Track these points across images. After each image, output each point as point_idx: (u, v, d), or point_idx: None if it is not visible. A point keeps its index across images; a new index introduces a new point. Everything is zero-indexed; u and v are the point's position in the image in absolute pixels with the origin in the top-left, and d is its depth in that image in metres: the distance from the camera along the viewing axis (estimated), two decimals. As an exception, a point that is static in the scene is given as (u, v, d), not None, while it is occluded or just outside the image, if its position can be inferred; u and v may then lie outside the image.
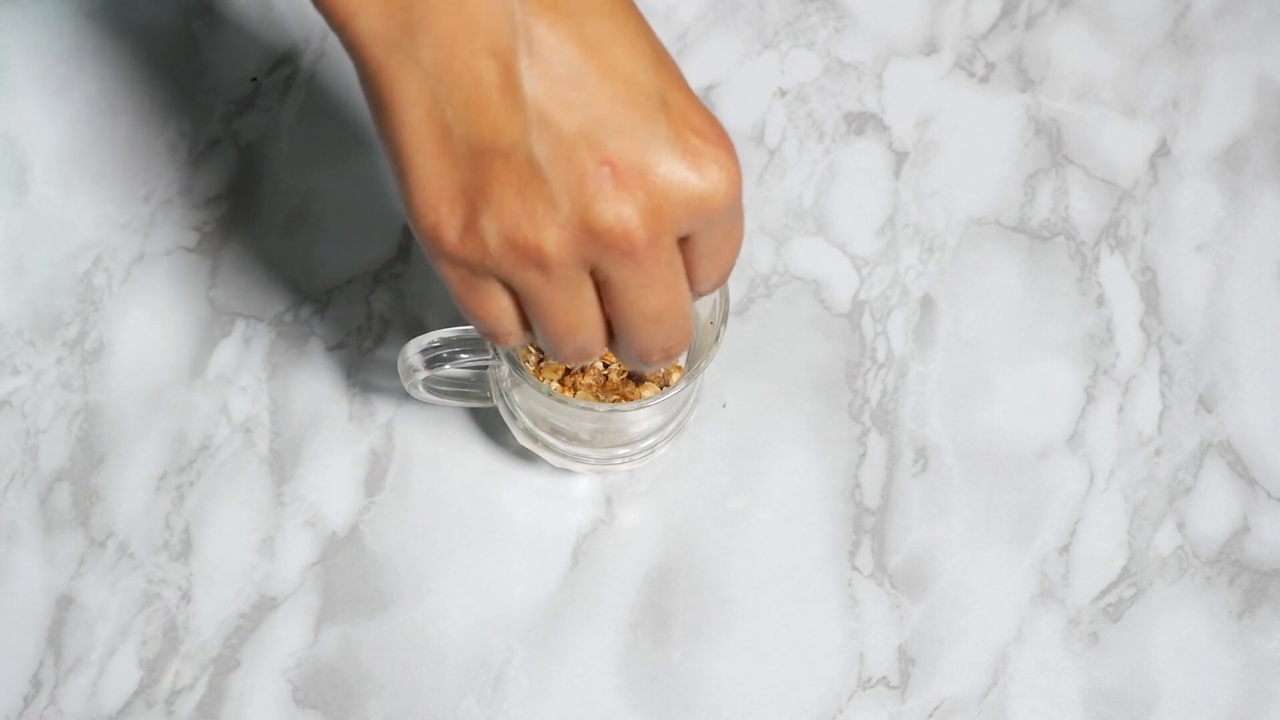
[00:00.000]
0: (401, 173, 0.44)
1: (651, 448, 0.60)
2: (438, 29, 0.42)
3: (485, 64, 0.42)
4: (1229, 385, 0.65)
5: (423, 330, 0.64)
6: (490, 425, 0.64)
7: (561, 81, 0.42)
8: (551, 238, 0.43)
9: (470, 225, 0.43)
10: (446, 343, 0.56)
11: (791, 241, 0.67)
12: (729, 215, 0.45)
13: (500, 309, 0.46)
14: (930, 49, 0.70)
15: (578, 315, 0.46)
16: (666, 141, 0.43)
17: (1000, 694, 0.61)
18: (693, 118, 0.44)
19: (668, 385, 0.60)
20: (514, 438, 0.62)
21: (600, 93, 0.42)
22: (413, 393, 0.59)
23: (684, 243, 0.45)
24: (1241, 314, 0.66)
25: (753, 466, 0.63)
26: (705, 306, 0.58)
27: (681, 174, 0.43)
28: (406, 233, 0.66)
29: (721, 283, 0.48)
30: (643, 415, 0.57)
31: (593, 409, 0.55)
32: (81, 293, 0.65)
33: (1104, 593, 0.62)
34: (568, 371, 0.59)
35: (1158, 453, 0.64)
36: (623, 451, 0.60)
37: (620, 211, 0.43)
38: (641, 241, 0.43)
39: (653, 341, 0.47)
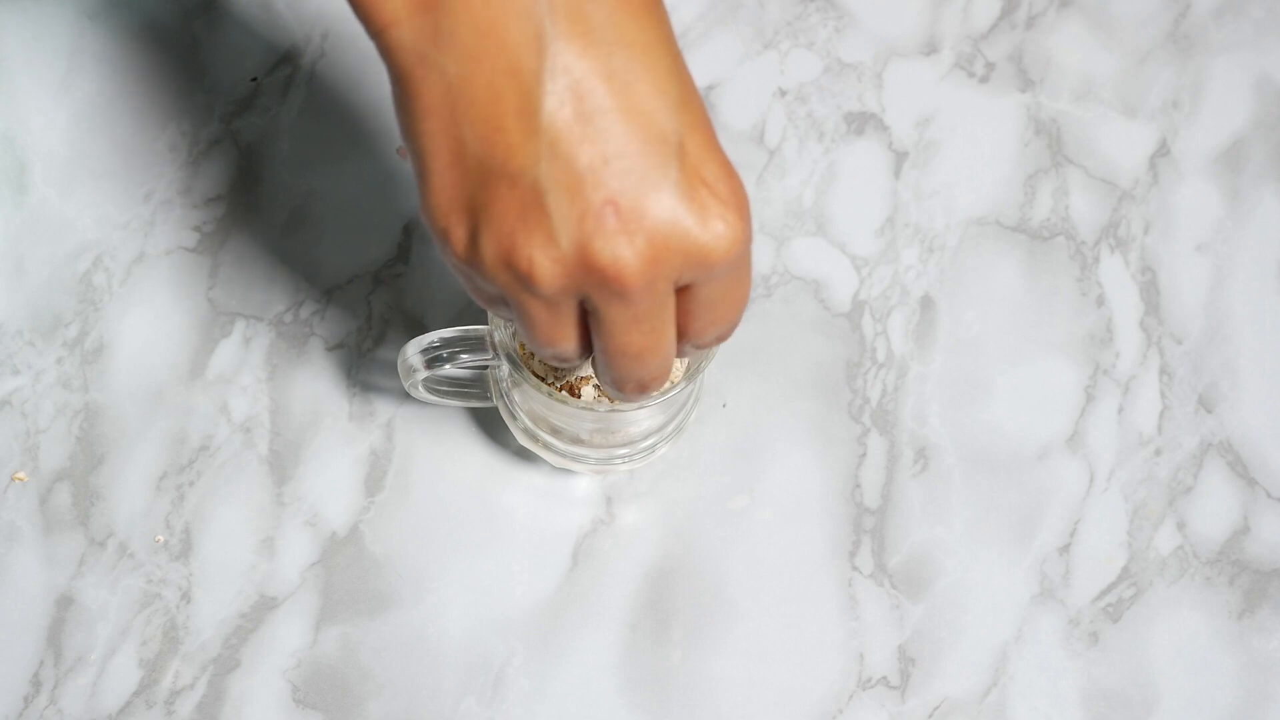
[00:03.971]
0: (420, 175, 0.44)
1: (651, 448, 0.60)
2: (464, 43, 0.42)
3: (505, 84, 0.42)
4: (1229, 385, 0.65)
5: (423, 330, 0.64)
6: (490, 425, 0.64)
7: (580, 113, 0.42)
8: (545, 267, 0.43)
9: (473, 239, 0.44)
10: (446, 343, 0.56)
11: (791, 241, 0.67)
12: (729, 272, 0.45)
13: (503, 312, 0.47)
14: (930, 49, 0.70)
15: (560, 333, 0.46)
16: (675, 188, 0.43)
17: (1000, 694, 0.61)
18: (707, 169, 0.43)
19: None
20: (514, 438, 0.62)
21: (617, 130, 0.42)
22: (413, 393, 0.59)
23: (682, 292, 0.45)
24: (1241, 314, 0.66)
25: (753, 466, 0.63)
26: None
27: (684, 223, 0.43)
28: (406, 233, 0.66)
29: (721, 338, 0.48)
30: (643, 415, 0.57)
31: (593, 409, 0.55)
32: (81, 293, 0.65)
33: (1104, 593, 0.62)
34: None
35: (1158, 453, 0.64)
36: (623, 451, 0.60)
37: (617, 251, 0.43)
38: (634, 283, 0.43)
39: (629, 375, 0.47)
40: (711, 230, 0.43)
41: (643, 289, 0.43)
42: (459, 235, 0.44)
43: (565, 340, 0.46)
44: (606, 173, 0.42)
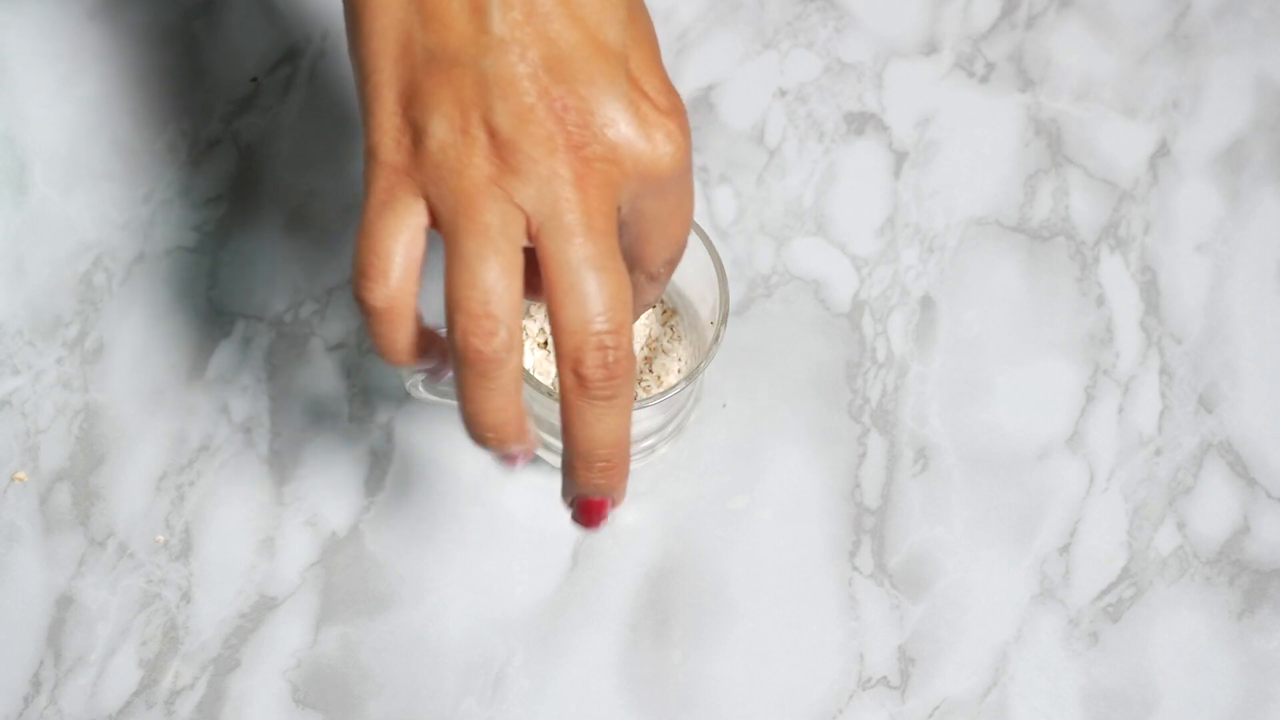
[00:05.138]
0: (363, 77, 0.44)
1: (651, 448, 0.60)
2: None
3: None
4: (1229, 385, 0.65)
5: (423, 330, 0.64)
6: (490, 425, 0.64)
7: (530, 17, 0.43)
8: (505, 121, 0.43)
9: (419, 137, 0.43)
10: (446, 343, 0.56)
11: (791, 241, 0.67)
12: (674, 186, 0.45)
13: (400, 237, 0.44)
14: (930, 49, 0.70)
15: (493, 247, 0.43)
16: (620, 98, 0.43)
17: (1000, 694, 0.61)
18: (648, 83, 0.44)
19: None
20: (514, 438, 0.62)
21: (566, 36, 0.43)
22: (413, 393, 0.59)
23: (631, 215, 0.46)
24: (1241, 314, 0.66)
25: (753, 466, 0.63)
26: (705, 306, 0.58)
27: (627, 135, 0.44)
28: (406, 233, 0.66)
29: (672, 263, 0.48)
30: (643, 415, 0.57)
31: (593, 409, 0.55)
32: (81, 293, 0.65)
33: (1104, 593, 0.62)
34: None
35: (1158, 453, 0.64)
36: (623, 451, 0.60)
37: None
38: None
39: (587, 304, 0.43)
40: (654, 143, 0.44)
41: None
42: (404, 144, 0.43)
43: (498, 259, 0.43)
44: (556, 73, 0.43)
